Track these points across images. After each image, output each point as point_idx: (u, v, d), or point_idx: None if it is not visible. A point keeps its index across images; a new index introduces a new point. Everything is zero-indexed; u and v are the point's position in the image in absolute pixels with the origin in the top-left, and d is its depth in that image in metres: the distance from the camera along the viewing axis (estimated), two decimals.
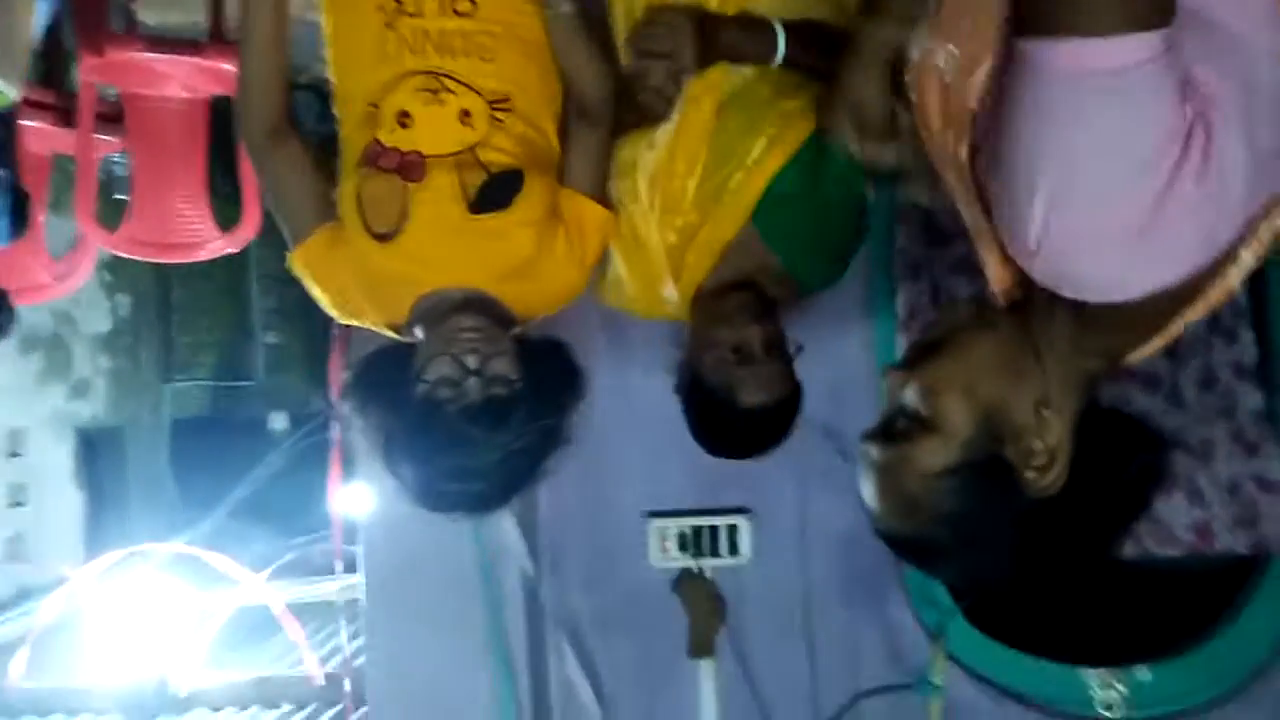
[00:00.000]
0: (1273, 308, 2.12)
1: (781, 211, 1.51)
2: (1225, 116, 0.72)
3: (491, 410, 1.28)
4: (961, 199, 0.95)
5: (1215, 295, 0.86)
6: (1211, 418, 2.09)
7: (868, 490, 0.91)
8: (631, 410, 2.31)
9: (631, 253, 1.57)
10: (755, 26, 1.45)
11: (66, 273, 3.15)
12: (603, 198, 1.48)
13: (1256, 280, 2.12)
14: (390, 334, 1.47)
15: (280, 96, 1.46)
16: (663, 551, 2.26)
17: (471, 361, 1.29)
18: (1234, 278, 0.86)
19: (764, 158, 1.48)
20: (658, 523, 2.26)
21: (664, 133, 1.51)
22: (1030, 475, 0.85)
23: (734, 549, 2.24)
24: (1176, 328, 0.88)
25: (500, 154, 1.40)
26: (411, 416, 1.30)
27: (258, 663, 3.51)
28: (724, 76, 1.49)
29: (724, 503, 2.28)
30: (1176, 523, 2.08)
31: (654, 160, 1.51)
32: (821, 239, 1.59)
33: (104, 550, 3.84)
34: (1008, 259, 0.93)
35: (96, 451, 4.44)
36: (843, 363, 2.17)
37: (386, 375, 1.37)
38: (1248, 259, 0.85)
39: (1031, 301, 0.90)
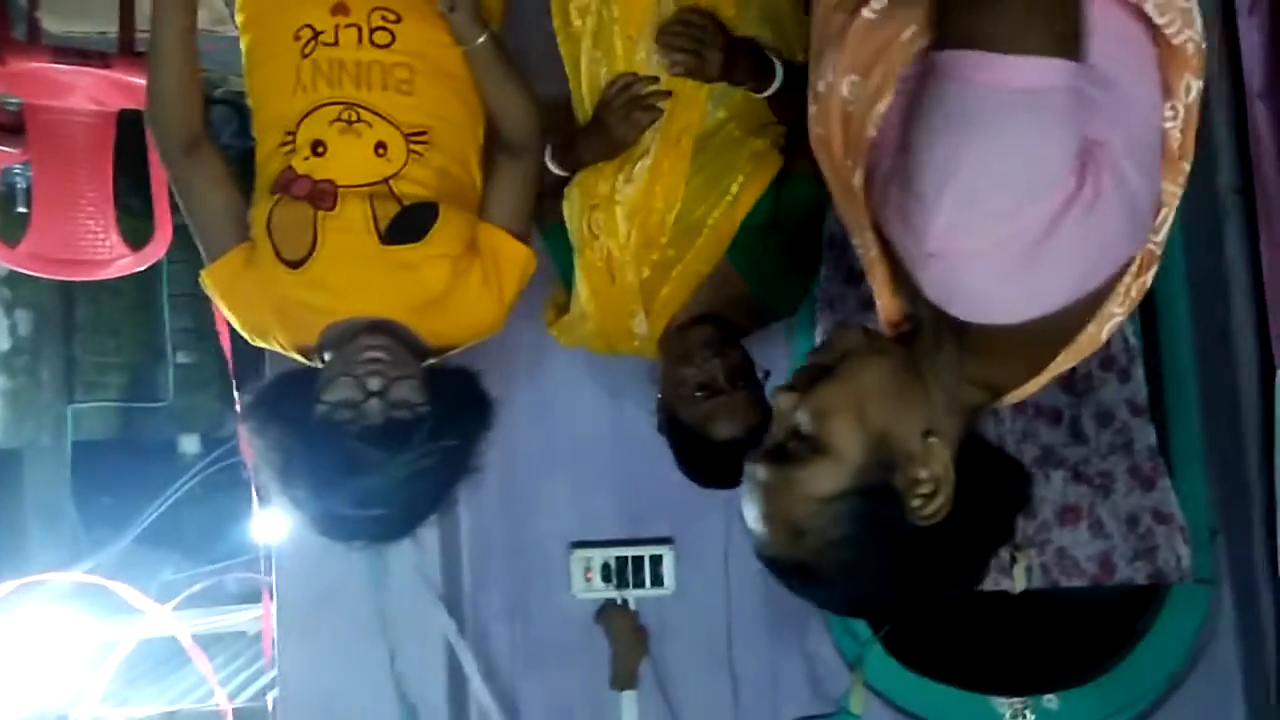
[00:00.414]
0: (1164, 346, 2.23)
1: (753, 243, 1.61)
2: (1112, 161, 0.75)
3: (391, 433, 1.24)
4: (855, 226, 0.97)
5: (1085, 346, 0.90)
6: (1110, 452, 2.17)
7: (752, 513, 0.90)
8: (555, 439, 2.30)
9: (603, 286, 1.61)
10: (762, 58, 1.55)
11: None
12: (523, 233, 1.47)
13: (1148, 320, 2.23)
14: (299, 358, 1.44)
15: (194, 109, 1.42)
16: (586, 581, 2.25)
17: (374, 384, 1.27)
18: (1104, 331, 0.90)
19: (741, 194, 1.58)
20: (581, 553, 2.26)
21: (642, 168, 1.56)
22: (916, 503, 0.86)
23: (658, 580, 2.25)
24: (1051, 372, 0.91)
25: (416, 186, 1.39)
26: (309, 438, 1.26)
27: (165, 697, 3.37)
28: (701, 116, 1.58)
29: (649, 533, 2.29)
30: (1080, 554, 2.15)
31: (632, 194, 1.56)
32: (788, 267, 1.67)
33: (1, 578, 3.64)
34: (897, 291, 0.96)
35: None
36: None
37: (287, 397, 1.33)
38: (1118, 313, 0.90)
39: (919, 333, 0.92)
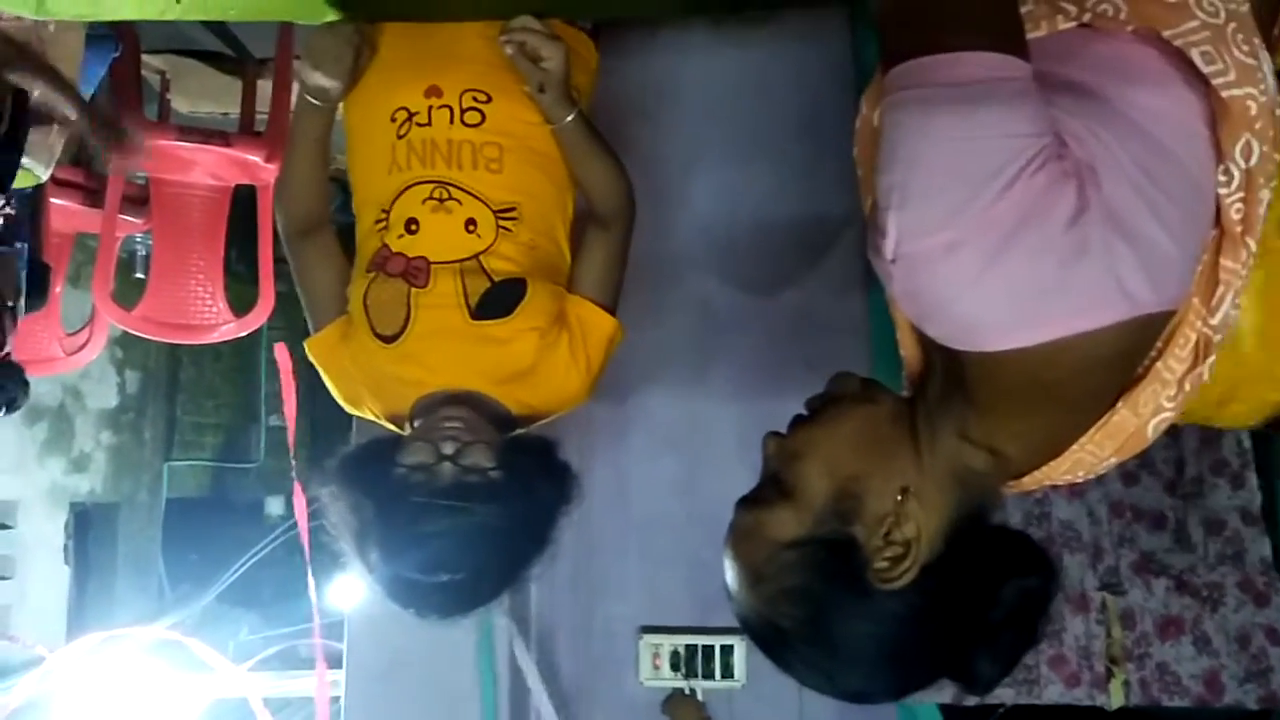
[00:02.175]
0: (1276, 453, 2.10)
1: None
2: (1106, 189, 0.71)
3: (459, 496, 1.24)
4: (871, 258, 0.93)
5: (1126, 437, 0.82)
6: (1219, 563, 2.04)
7: (725, 562, 0.88)
8: (630, 518, 2.28)
9: None
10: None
11: (78, 347, 3.17)
12: (610, 304, 1.48)
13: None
14: (392, 427, 1.46)
15: (318, 196, 1.52)
16: (654, 669, 2.20)
17: (448, 448, 1.28)
18: (1150, 427, 0.83)
19: None
20: (650, 638, 2.21)
21: None
22: (880, 565, 0.81)
23: (728, 671, 2.18)
24: (1084, 456, 0.83)
25: (506, 262, 1.42)
26: (383, 500, 1.27)
27: None
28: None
29: (721, 622, 2.23)
30: (1183, 671, 2.01)
31: None
32: None
33: (86, 629, 3.75)
34: (916, 335, 0.93)
35: (89, 528, 4.39)
36: None
37: (369, 462, 1.34)
38: (1167, 408, 0.82)
39: (927, 385, 0.88)
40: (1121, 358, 0.78)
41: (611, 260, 1.49)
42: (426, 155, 1.44)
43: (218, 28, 2.86)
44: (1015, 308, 0.71)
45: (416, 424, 1.38)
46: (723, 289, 2.33)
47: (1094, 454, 0.84)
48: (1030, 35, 0.80)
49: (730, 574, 0.87)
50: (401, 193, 1.44)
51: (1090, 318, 0.72)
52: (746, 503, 0.88)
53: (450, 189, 1.42)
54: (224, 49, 2.99)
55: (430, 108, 1.46)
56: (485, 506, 1.24)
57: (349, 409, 1.51)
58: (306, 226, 1.51)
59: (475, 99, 1.46)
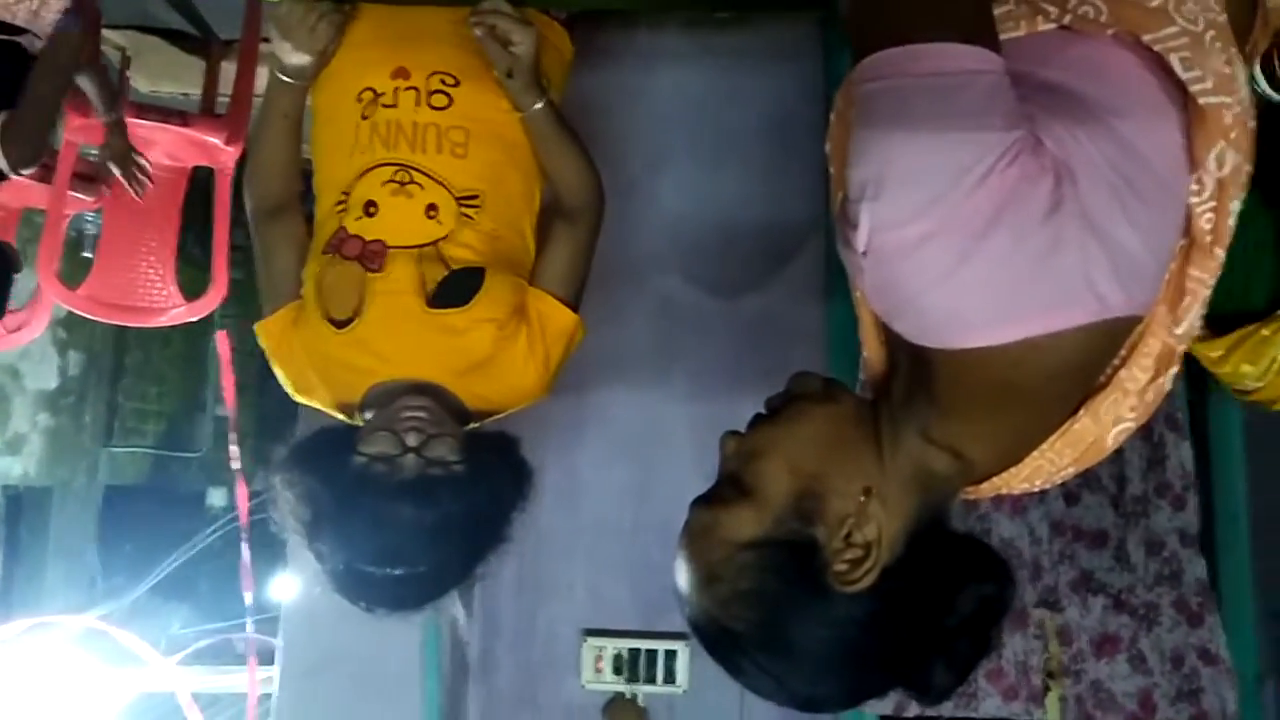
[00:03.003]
0: (1215, 476, 2.14)
1: None
2: (1079, 188, 0.71)
3: (425, 489, 1.22)
4: (841, 251, 0.95)
5: (1086, 445, 0.83)
6: (1156, 583, 2.07)
7: (678, 563, 0.85)
8: (578, 521, 2.26)
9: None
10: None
11: (19, 325, 3.08)
12: (572, 299, 1.45)
13: (1201, 447, 2.16)
14: (340, 416, 1.43)
15: (289, 175, 1.49)
16: (596, 672, 2.18)
17: (412, 439, 1.25)
18: (1110, 435, 0.83)
19: None
20: (593, 641, 2.19)
21: None
22: (840, 568, 0.79)
23: (670, 677, 2.17)
24: (1044, 463, 0.84)
25: (465, 250, 1.39)
26: (342, 491, 1.23)
27: None
28: None
29: (665, 627, 2.22)
30: (1118, 689, 2.04)
31: None
32: None
33: (13, 617, 3.63)
34: (881, 335, 0.92)
35: (21, 512, 4.25)
36: None
37: (324, 451, 1.31)
38: (1127, 419, 0.82)
39: (891, 385, 0.87)
40: (1087, 363, 0.78)
41: (576, 255, 1.47)
42: (390, 137, 1.41)
43: (183, 5, 2.81)
44: (987, 303, 0.71)
45: (370, 414, 1.34)
46: (685, 290, 2.34)
47: (1053, 461, 0.84)
48: (1009, 35, 0.81)
49: (683, 574, 0.85)
50: (362, 174, 1.40)
51: (1061, 316, 0.72)
52: (703, 501, 0.86)
53: (413, 172, 1.39)
54: (188, 28, 2.94)
55: (397, 89, 1.43)
56: (449, 500, 1.22)
57: (297, 397, 1.47)
58: (274, 206, 1.47)
59: (443, 82, 1.43)
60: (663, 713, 2.16)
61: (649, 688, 2.15)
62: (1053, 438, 0.82)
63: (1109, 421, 0.82)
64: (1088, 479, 2.17)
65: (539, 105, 1.41)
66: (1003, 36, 0.80)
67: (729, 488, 0.84)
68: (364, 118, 1.43)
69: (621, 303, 2.28)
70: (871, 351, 0.95)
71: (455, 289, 1.35)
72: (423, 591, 1.27)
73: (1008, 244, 0.69)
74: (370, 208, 1.38)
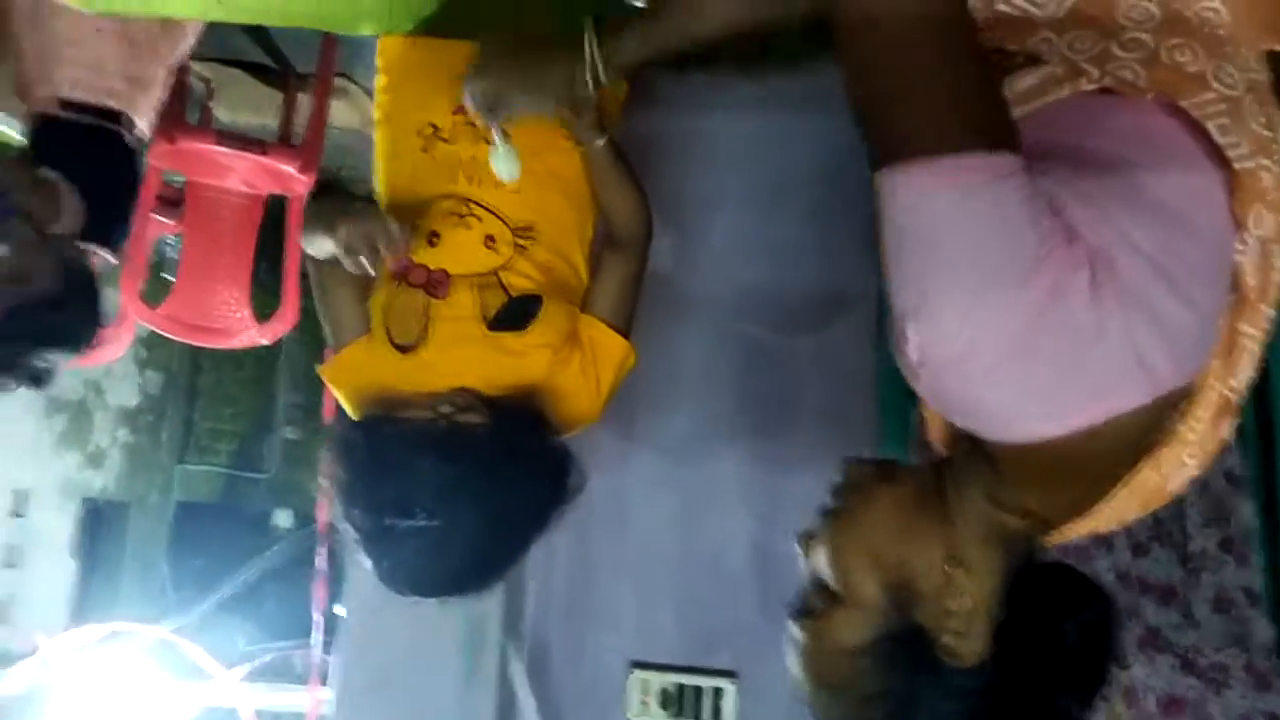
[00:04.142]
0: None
1: None
2: (1117, 269, 0.71)
3: (444, 440, 1.28)
4: (895, 354, 0.95)
5: (1149, 492, 0.83)
6: (1226, 644, 1.97)
7: (794, 672, 0.86)
8: (626, 549, 2.26)
9: None
10: None
11: (104, 342, 3.20)
12: (623, 326, 1.49)
13: (1270, 501, 2.05)
14: None
15: None
16: (642, 705, 2.16)
17: (444, 407, 1.31)
18: (1171, 481, 0.83)
19: None
20: (640, 674, 2.18)
21: None
22: (948, 641, 0.80)
23: (717, 715, 2.14)
24: (1110, 513, 0.84)
25: (523, 278, 1.45)
26: (372, 442, 1.30)
27: None
28: None
29: (714, 663, 2.19)
30: None
31: None
32: None
33: (89, 622, 3.77)
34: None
35: (99, 524, 4.42)
36: None
37: (365, 416, 1.38)
38: (1189, 464, 0.82)
39: (954, 455, 0.87)
40: (1146, 431, 0.78)
41: (626, 284, 1.50)
42: (450, 171, 1.48)
43: (263, 40, 2.93)
44: (1041, 402, 0.72)
45: None
46: (737, 327, 2.34)
47: (1117, 509, 0.85)
48: (1053, 97, 0.82)
49: (805, 689, 0.86)
50: (425, 207, 1.47)
51: (1116, 401, 0.73)
52: (799, 616, 0.87)
53: (471, 205, 1.45)
54: (268, 61, 3.06)
55: (456, 124, 1.49)
56: (465, 453, 1.26)
57: None
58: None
59: None
60: None
61: None
62: (1116, 488, 0.82)
63: (1170, 470, 0.83)
64: (1157, 531, 2.09)
65: (600, 142, 1.44)
66: (1047, 99, 0.82)
67: (819, 597, 0.85)
68: (424, 151, 1.49)
69: (673, 338, 2.30)
70: (936, 433, 0.95)
71: (514, 314, 1.41)
72: (446, 560, 1.27)
73: (1053, 343, 0.70)
74: (433, 238, 1.45)
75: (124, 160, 2.08)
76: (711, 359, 2.33)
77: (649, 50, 1.12)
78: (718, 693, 2.14)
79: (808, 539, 0.88)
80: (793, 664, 0.86)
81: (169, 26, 2.11)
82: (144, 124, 2.07)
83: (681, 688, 2.14)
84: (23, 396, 2.61)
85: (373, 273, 1.40)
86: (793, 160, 2.35)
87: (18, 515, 3.99)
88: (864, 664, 0.81)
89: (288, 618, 4.43)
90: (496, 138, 1.32)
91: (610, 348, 1.45)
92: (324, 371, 1.50)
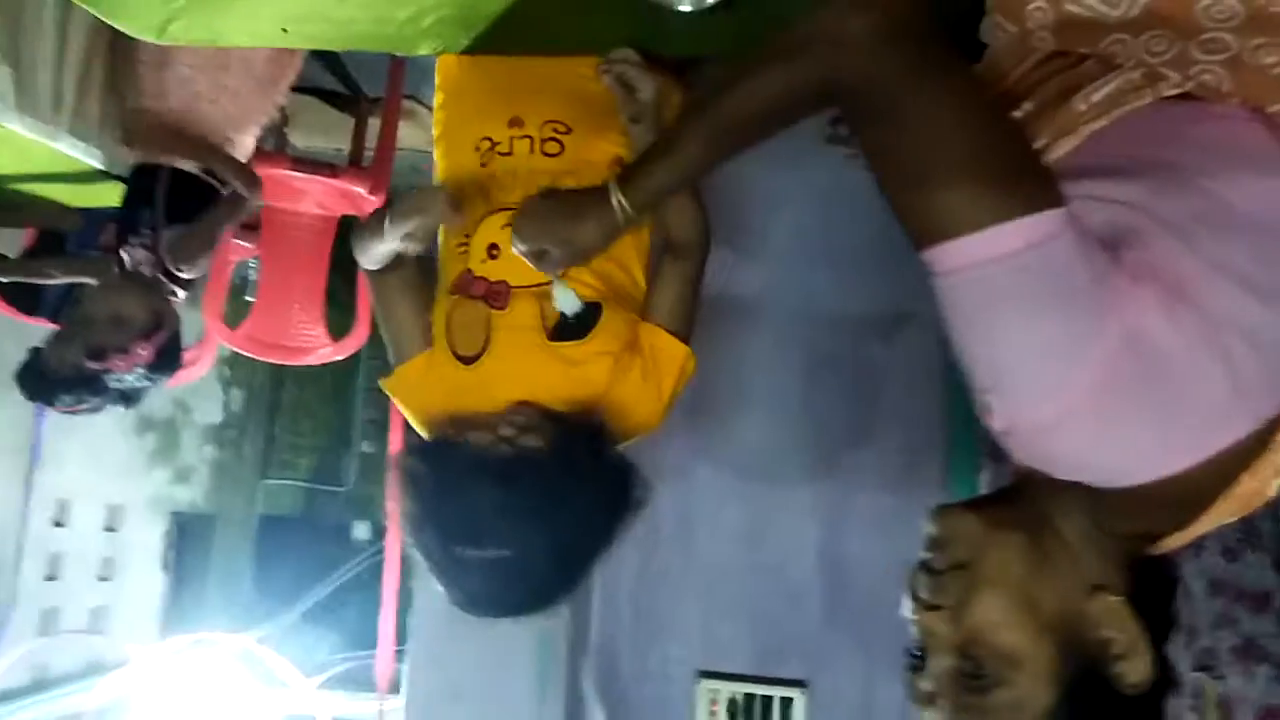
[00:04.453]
0: None
1: None
2: (1223, 288, 0.68)
3: (507, 468, 1.26)
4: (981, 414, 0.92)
5: (1249, 497, 0.78)
6: None
7: None
8: (693, 560, 2.25)
9: None
10: None
11: (189, 363, 3.34)
12: (683, 332, 1.48)
13: None
14: None
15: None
16: (710, 715, 2.15)
17: (506, 430, 1.29)
18: (1272, 485, 0.78)
19: None
20: (708, 684, 2.16)
21: None
22: (1120, 670, 0.75)
23: None
24: (1211, 520, 0.80)
25: (582, 287, 1.44)
26: (439, 473, 1.29)
27: None
28: None
29: (782, 673, 2.17)
30: None
31: None
32: None
33: (178, 632, 3.92)
34: None
35: (187, 537, 4.58)
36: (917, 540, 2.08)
37: (430, 442, 1.38)
38: None
39: (1041, 479, 0.82)
40: (1250, 451, 0.75)
41: (685, 290, 1.50)
42: (507, 183, 1.48)
43: (334, 66, 3.02)
44: (1144, 453, 0.70)
45: None
46: (801, 332, 2.31)
47: (1216, 517, 0.81)
48: (1130, 106, 0.79)
49: None
50: (483, 219, 1.48)
51: (1220, 438, 0.70)
52: (958, 693, 0.78)
53: None
54: (339, 87, 3.16)
55: (512, 138, 1.51)
56: (532, 482, 1.25)
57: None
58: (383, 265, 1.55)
59: (555, 130, 1.50)
60: None
61: None
62: (1217, 501, 0.78)
63: (1266, 475, 0.78)
64: (1249, 534, 2.00)
65: None
66: (1124, 109, 0.78)
67: (985, 674, 0.77)
68: (482, 165, 1.51)
69: (737, 348, 2.28)
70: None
71: (573, 323, 1.41)
72: (518, 582, 1.27)
73: (1144, 393, 0.67)
74: (493, 250, 1.45)
75: (211, 199, 2.28)
76: (776, 368, 2.30)
77: (671, 185, 1.12)
78: (786, 702, 2.12)
79: (931, 612, 0.80)
80: None
81: (268, 89, 2.29)
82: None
83: (750, 697, 2.12)
84: (115, 417, 2.76)
85: (421, 244, 1.42)
86: (852, 163, 2.33)
87: (111, 530, 4.17)
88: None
89: (366, 627, 4.54)
90: (554, 283, 1.36)
91: (671, 354, 1.44)
92: (387, 384, 1.51)
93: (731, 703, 2.12)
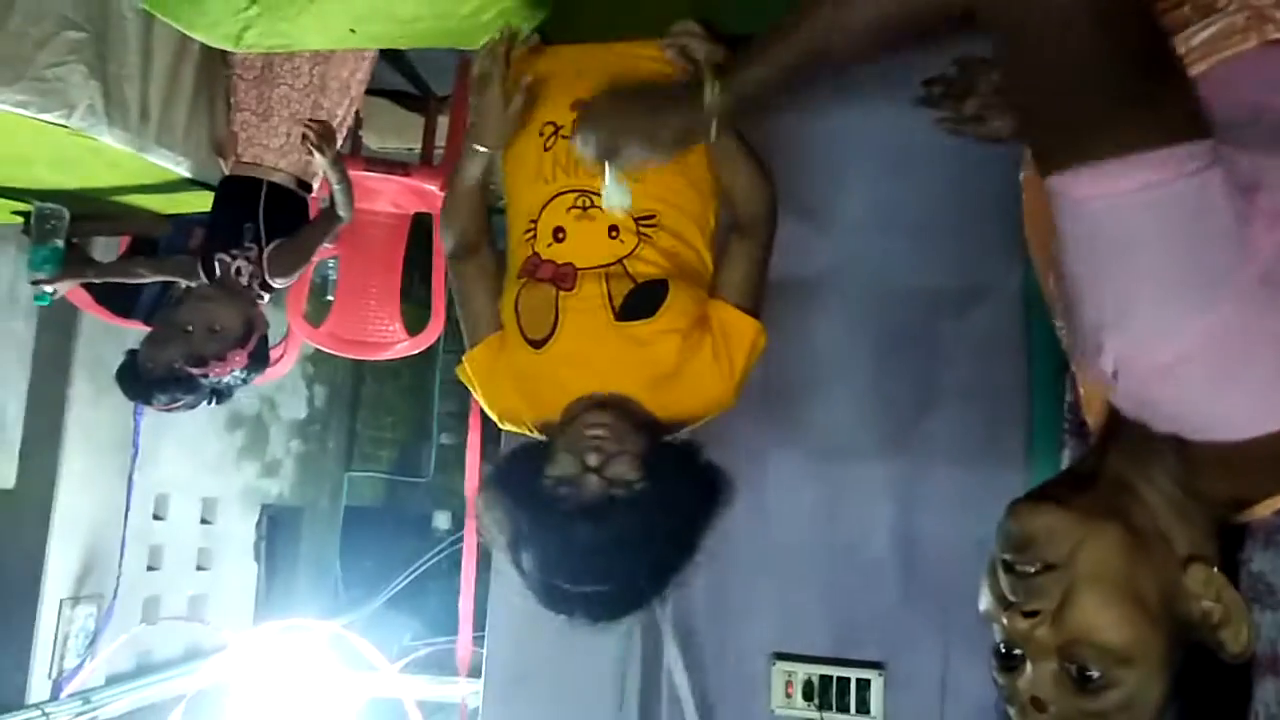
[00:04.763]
0: None
1: None
2: None
3: (603, 511, 1.26)
4: (1060, 327, 0.88)
5: None
6: None
7: None
8: (768, 542, 2.24)
9: None
10: None
11: (275, 361, 3.47)
12: (752, 308, 1.48)
13: None
14: (543, 438, 1.49)
15: (476, 224, 1.62)
16: (786, 697, 2.15)
17: (592, 459, 1.29)
18: None
19: None
20: (784, 665, 2.16)
21: None
22: (1223, 639, 0.73)
23: (863, 706, 2.10)
24: None
25: (648, 266, 1.45)
26: (534, 511, 1.30)
27: None
28: None
29: (857, 655, 2.16)
30: None
31: None
32: None
33: (271, 618, 4.07)
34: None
35: (277, 528, 4.75)
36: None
37: (519, 470, 1.38)
38: None
39: (1120, 434, 0.80)
40: None
41: (752, 265, 1.50)
42: (570, 166, 1.49)
43: (403, 67, 3.09)
44: (1259, 406, 0.67)
45: (564, 429, 1.40)
46: (872, 308, 2.28)
47: None
48: (1233, 50, 0.76)
49: None
50: (548, 203, 1.50)
51: None
52: (1066, 696, 0.76)
53: (593, 197, 1.46)
54: (409, 88, 3.23)
55: (574, 121, 1.52)
56: (629, 520, 1.25)
57: (503, 425, 1.56)
58: (466, 247, 1.60)
59: None
60: None
61: (841, 716, 2.10)
62: None
63: None
64: None
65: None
66: (1227, 53, 0.76)
67: (1094, 678, 0.74)
68: (546, 149, 1.53)
69: (806, 321, 2.26)
70: (1088, 399, 0.89)
71: (641, 302, 1.42)
72: (617, 606, 1.30)
73: (1266, 343, 0.64)
74: (559, 233, 1.48)
75: (303, 211, 2.43)
76: (847, 346, 2.27)
77: (776, 81, 1.02)
78: (863, 684, 2.11)
79: (1029, 620, 0.76)
80: None
81: (352, 103, 2.40)
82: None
83: (826, 679, 2.12)
84: (207, 414, 2.88)
85: (496, 146, 1.49)
86: (922, 126, 2.28)
87: (206, 522, 4.35)
88: (1173, 712, 0.74)
89: (448, 613, 4.66)
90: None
91: (741, 330, 1.44)
92: (466, 363, 1.54)
93: (808, 684, 2.12)
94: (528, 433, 1.52)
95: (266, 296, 2.38)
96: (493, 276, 1.58)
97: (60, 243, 2.55)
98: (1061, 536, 0.76)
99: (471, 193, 1.59)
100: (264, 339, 2.39)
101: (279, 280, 2.35)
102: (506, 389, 1.50)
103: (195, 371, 2.25)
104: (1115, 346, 0.67)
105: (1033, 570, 0.76)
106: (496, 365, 1.50)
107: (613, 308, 1.41)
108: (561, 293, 1.44)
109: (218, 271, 2.30)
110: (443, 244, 1.64)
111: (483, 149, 1.54)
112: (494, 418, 1.57)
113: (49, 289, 2.59)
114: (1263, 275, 0.63)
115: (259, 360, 2.39)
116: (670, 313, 1.40)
